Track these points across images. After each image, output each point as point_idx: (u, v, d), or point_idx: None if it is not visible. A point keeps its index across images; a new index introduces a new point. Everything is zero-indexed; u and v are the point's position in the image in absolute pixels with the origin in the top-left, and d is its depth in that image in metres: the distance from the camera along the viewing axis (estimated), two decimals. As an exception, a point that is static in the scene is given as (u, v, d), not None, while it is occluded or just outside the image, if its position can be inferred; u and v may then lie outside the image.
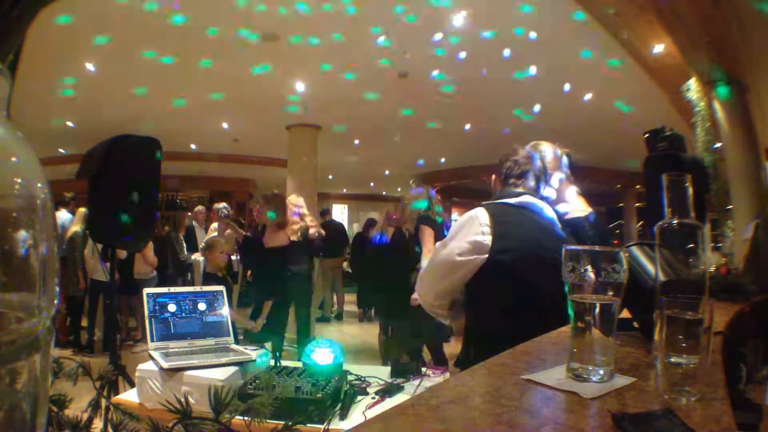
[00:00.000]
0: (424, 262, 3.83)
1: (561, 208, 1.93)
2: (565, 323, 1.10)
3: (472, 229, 1.55)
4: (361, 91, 5.93)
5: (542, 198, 1.72)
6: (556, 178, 1.98)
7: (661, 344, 0.70)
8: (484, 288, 1.56)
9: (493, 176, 1.85)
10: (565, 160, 2.06)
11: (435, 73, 5.25)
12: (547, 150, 2.06)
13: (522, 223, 1.58)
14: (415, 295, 3.78)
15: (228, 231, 5.09)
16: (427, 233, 3.93)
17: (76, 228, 5.60)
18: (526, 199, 1.64)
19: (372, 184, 15.28)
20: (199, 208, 7.62)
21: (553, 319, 1.13)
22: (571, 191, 2.04)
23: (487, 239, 1.52)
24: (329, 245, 7.86)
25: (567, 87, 5.61)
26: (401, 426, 0.59)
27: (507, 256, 1.50)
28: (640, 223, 11.87)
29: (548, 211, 1.67)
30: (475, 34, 4.46)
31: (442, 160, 11.00)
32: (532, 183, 1.74)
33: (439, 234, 3.91)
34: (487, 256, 1.51)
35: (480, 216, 1.56)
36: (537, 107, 6.21)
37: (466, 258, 1.53)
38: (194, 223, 7.16)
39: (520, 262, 1.50)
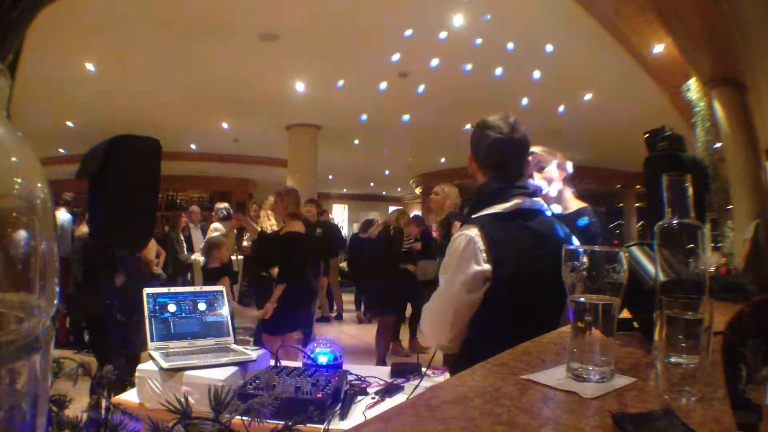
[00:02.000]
0: None
1: (559, 210, 1.93)
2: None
3: (472, 256, 1.44)
4: (362, 91, 5.93)
5: (533, 192, 1.56)
6: (555, 187, 1.96)
7: (661, 344, 0.70)
8: (482, 310, 1.46)
9: (469, 156, 1.64)
10: (569, 168, 2.06)
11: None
12: (548, 158, 2.05)
13: (518, 240, 1.47)
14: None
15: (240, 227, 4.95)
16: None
17: (85, 229, 5.60)
18: (519, 202, 1.50)
19: (372, 184, 15.30)
20: (193, 208, 7.60)
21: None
22: (569, 194, 2.06)
23: (487, 267, 1.43)
24: (325, 246, 7.86)
25: (566, 87, 5.61)
26: (401, 426, 0.59)
27: (504, 283, 1.42)
28: (640, 223, 11.88)
29: (543, 214, 1.56)
30: (475, 35, 4.46)
31: (442, 160, 11.00)
32: (518, 173, 1.56)
33: None
34: (490, 283, 1.43)
35: (476, 240, 1.44)
36: (536, 108, 6.20)
37: (477, 295, 1.44)
38: (189, 223, 7.16)
39: (517, 286, 1.42)
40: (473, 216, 1.53)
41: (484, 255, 1.43)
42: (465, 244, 1.45)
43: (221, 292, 2.09)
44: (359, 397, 1.73)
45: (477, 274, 1.42)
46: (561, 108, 5.96)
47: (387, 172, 12.43)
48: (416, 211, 11.00)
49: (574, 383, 0.73)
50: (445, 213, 3.91)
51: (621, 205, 12.62)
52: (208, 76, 5.44)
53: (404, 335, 5.89)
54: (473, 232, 1.46)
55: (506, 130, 1.53)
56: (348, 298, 8.90)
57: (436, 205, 4.09)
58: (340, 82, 5.54)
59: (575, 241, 1.66)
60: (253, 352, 1.84)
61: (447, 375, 1.98)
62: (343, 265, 8.87)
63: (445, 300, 1.48)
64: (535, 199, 1.55)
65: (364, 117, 6.90)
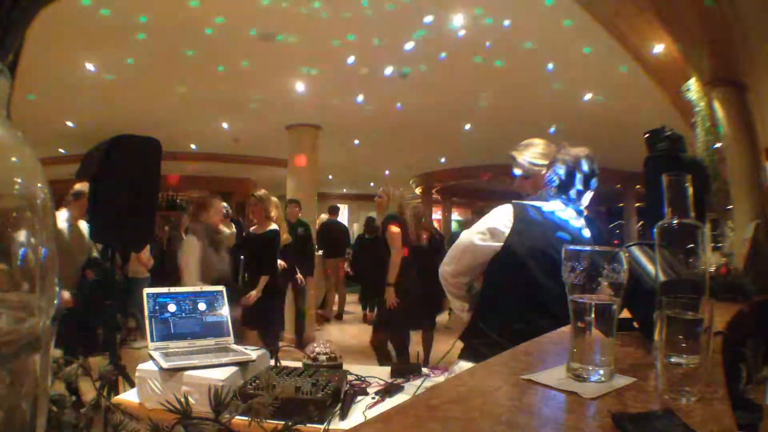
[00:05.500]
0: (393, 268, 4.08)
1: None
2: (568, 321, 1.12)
3: (497, 220, 1.74)
4: (362, 90, 5.93)
5: (576, 207, 1.80)
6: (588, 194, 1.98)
7: (661, 344, 0.70)
8: (498, 275, 1.73)
9: (543, 171, 1.92)
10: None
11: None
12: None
13: (542, 225, 1.72)
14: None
15: None
16: (395, 233, 4.10)
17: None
18: (554, 207, 1.76)
19: (372, 184, 15.27)
20: None
21: (552, 313, 1.15)
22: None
23: (506, 230, 1.71)
24: (329, 245, 7.87)
25: (566, 87, 5.60)
26: (401, 426, 0.59)
27: (520, 250, 1.67)
28: (640, 223, 11.87)
29: (573, 223, 1.78)
30: (475, 35, 4.46)
31: (442, 160, 10.99)
32: (569, 192, 1.80)
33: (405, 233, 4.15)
34: (501, 244, 1.70)
35: (506, 211, 1.76)
36: (535, 107, 6.21)
37: (483, 243, 1.72)
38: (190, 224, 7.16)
39: (531, 259, 1.66)
40: (514, 201, 1.83)
41: (509, 222, 1.72)
42: (495, 211, 1.78)
43: (221, 292, 2.09)
44: (359, 397, 1.73)
45: (492, 229, 1.73)
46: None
47: (387, 172, 12.42)
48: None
49: (574, 383, 0.73)
50: (384, 214, 4.23)
51: (621, 205, 12.61)
52: (208, 76, 5.44)
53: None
54: (507, 206, 1.78)
55: (573, 164, 1.79)
56: (350, 299, 8.90)
57: (379, 206, 4.38)
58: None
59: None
60: (253, 352, 1.84)
61: (447, 375, 1.98)
62: (345, 265, 8.87)
63: (460, 240, 1.80)
64: (576, 210, 1.79)
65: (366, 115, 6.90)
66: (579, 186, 1.79)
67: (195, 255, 3.47)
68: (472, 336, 1.77)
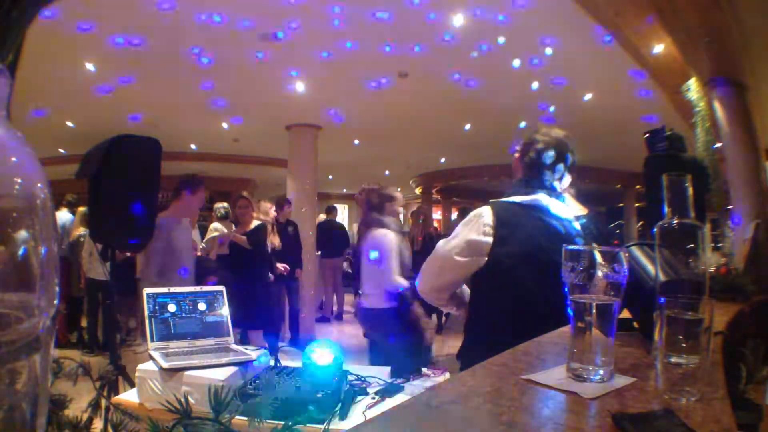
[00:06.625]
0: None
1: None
2: (563, 325, 1.10)
3: (474, 228, 1.55)
4: (361, 90, 5.92)
5: (558, 194, 1.66)
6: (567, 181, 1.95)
7: (661, 344, 0.70)
8: (484, 287, 1.58)
9: (516, 155, 1.76)
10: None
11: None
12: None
13: (527, 225, 1.55)
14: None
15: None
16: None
17: (81, 230, 5.60)
18: (538, 198, 1.60)
19: (372, 184, 15.25)
20: None
21: (550, 324, 1.13)
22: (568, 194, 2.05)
23: (488, 240, 1.52)
24: (327, 245, 7.87)
25: (566, 88, 5.60)
26: (401, 426, 0.59)
27: (506, 260, 1.51)
28: (640, 223, 11.87)
29: (561, 213, 1.63)
30: (475, 34, 4.46)
31: (442, 160, 10.99)
32: (550, 178, 1.66)
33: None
34: (486, 258, 1.53)
35: (485, 216, 1.56)
36: (536, 108, 6.20)
37: (464, 259, 1.55)
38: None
39: (519, 266, 1.50)
40: (492, 200, 1.66)
41: (489, 230, 1.53)
42: (471, 217, 1.59)
43: (221, 292, 2.09)
44: (359, 397, 1.73)
45: (471, 242, 1.55)
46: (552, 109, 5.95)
47: (387, 172, 12.42)
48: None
49: (574, 383, 0.73)
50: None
51: (621, 205, 12.61)
52: (208, 75, 5.44)
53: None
54: (485, 209, 1.58)
55: (554, 140, 1.66)
56: (350, 299, 8.89)
57: (359, 204, 4.21)
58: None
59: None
60: (253, 352, 1.84)
61: (447, 375, 1.98)
62: (345, 265, 8.88)
63: (437, 255, 1.63)
64: (556, 203, 1.63)
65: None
66: (556, 169, 1.65)
67: (395, 249, 3.22)
68: (467, 350, 1.66)
